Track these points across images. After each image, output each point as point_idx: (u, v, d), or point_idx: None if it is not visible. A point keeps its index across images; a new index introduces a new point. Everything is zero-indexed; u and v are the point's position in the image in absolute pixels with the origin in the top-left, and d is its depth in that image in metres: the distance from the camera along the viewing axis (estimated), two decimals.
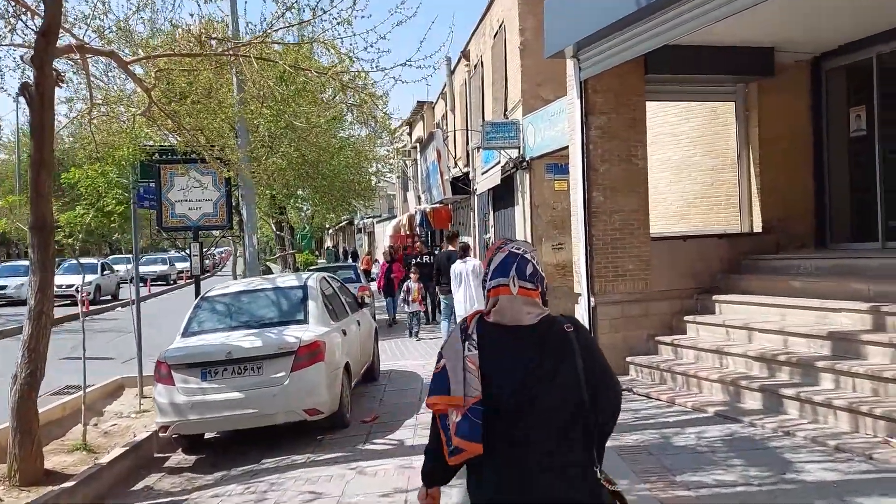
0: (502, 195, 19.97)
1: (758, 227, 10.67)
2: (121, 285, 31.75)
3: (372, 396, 10.07)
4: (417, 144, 36.23)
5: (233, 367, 7.81)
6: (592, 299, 9.68)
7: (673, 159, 11.83)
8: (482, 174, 22.35)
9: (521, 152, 17.35)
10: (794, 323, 8.27)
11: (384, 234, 41.20)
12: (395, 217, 44.64)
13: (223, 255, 52.48)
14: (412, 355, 13.48)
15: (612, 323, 9.70)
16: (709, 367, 8.68)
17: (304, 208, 25.33)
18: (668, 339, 9.56)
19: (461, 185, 25.01)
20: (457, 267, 12.13)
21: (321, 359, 7.85)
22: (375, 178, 30.52)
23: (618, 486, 2.64)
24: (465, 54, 24.57)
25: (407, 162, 41.09)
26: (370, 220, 55.68)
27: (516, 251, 2.67)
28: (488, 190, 21.43)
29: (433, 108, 35.51)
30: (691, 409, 7.93)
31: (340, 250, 58.73)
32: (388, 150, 29.58)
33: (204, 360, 7.88)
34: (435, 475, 2.78)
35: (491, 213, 21.63)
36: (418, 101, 36.29)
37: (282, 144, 17.31)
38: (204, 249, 12.93)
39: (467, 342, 2.59)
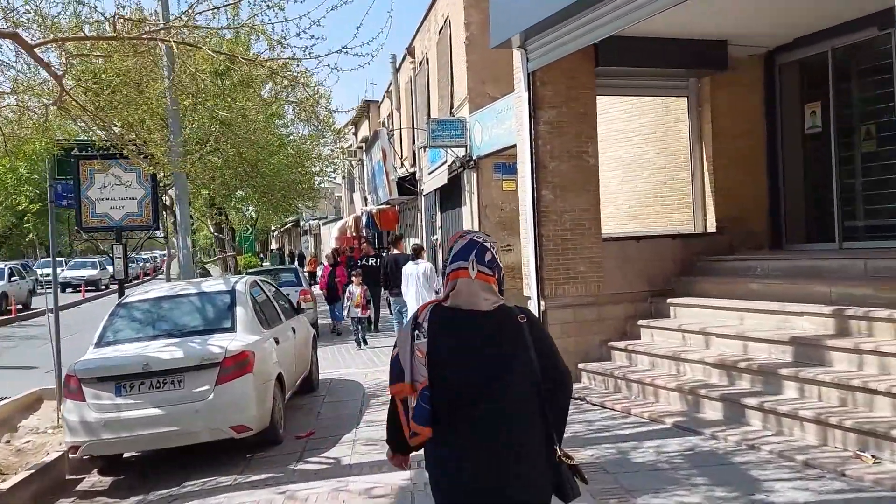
0: (450, 195, 19.43)
1: (712, 227, 10.30)
2: (38, 291, 29.11)
3: (308, 409, 9.39)
4: (363, 144, 35.50)
5: (151, 380, 7.06)
6: (542, 303, 9.17)
7: (624, 157, 11.41)
8: (429, 174, 21.79)
9: (469, 151, 16.83)
10: (753, 327, 7.86)
11: (330, 236, 40.37)
12: (341, 218, 43.85)
13: (165, 258, 51.11)
14: (354, 363, 12.81)
15: (563, 328, 9.20)
16: (665, 374, 8.23)
17: (246, 209, 24.40)
18: (621, 344, 9.10)
19: (408, 185, 24.42)
20: (408, 268, 12.15)
21: (249, 370, 7.15)
22: (319, 177, 29.72)
23: (575, 461, 2.82)
24: (411, 51, 23.98)
25: (353, 162, 40.35)
26: (316, 221, 54.71)
27: (476, 239, 2.85)
28: (435, 190, 20.87)
29: (379, 107, 34.85)
30: (648, 419, 7.45)
31: (286, 252, 57.62)
32: (332, 150, 28.81)
33: (118, 374, 7.11)
34: (398, 446, 2.94)
35: (438, 213, 21.07)
36: (363, 101, 35.54)
37: (217, 141, 16.47)
38: (134, 253, 12.02)
39: (417, 331, 2.76)
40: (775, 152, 10.18)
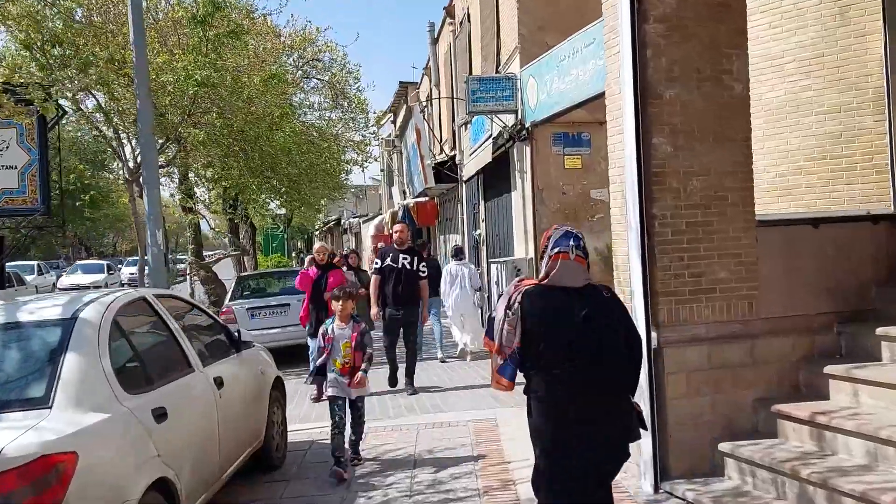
0: (495, 179, 15.48)
1: None
2: None
3: None
4: (400, 131, 31.77)
5: None
6: (655, 335, 5.19)
7: (769, 98, 7.27)
8: (470, 155, 17.88)
9: (520, 117, 12.88)
10: None
11: (368, 235, 36.89)
12: (379, 214, 40.26)
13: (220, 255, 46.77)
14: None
15: (690, 379, 5.24)
16: None
17: (266, 203, 20.81)
18: (799, 410, 5.08)
19: (447, 172, 20.56)
20: (453, 268, 11.84)
21: (60, 494, 3.34)
22: (349, 166, 26.04)
23: (640, 409, 3.68)
24: (450, 11, 20.11)
25: (390, 153, 36.77)
26: (356, 219, 51.47)
27: (571, 229, 3.63)
28: (477, 173, 16.95)
29: (418, 89, 31.00)
30: None
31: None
32: (363, 135, 25.12)
33: None
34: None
35: (481, 203, 17.14)
36: (400, 83, 31.75)
37: (196, 106, 12.82)
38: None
39: (509, 309, 3.50)
40: None
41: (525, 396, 3.66)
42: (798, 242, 5.62)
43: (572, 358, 3.39)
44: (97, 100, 13.71)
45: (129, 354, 4.40)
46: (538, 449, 3.57)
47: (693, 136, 5.35)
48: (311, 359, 9.60)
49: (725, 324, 5.38)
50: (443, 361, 11.66)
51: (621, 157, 5.49)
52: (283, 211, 31.91)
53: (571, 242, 3.50)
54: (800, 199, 7.05)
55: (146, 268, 12.07)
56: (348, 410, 6.18)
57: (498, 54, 14.70)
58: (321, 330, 6.24)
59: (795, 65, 7.14)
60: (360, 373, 6.07)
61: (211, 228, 22.52)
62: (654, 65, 5.29)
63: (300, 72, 21.41)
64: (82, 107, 14.19)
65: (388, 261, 9.33)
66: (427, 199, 25.07)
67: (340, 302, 6.08)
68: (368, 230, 38.06)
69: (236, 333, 5.93)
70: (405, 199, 29.82)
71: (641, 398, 5.16)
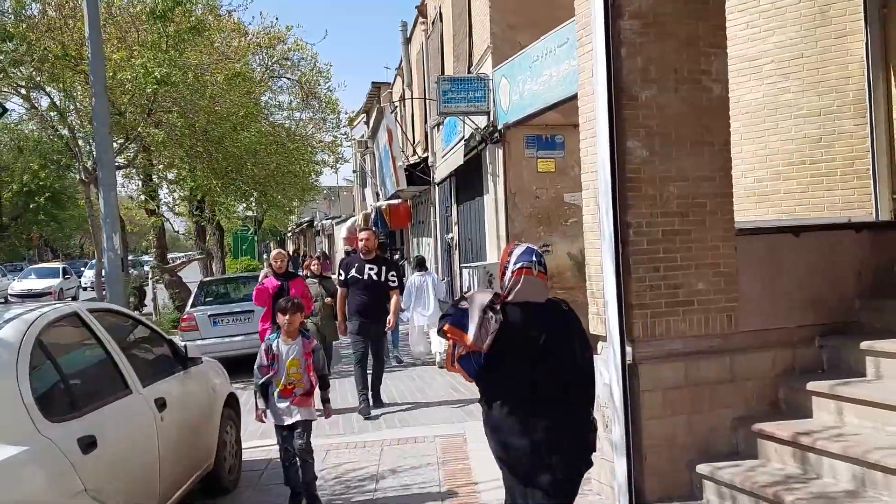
0: (467, 182, 15.17)
1: None
2: None
3: None
4: (372, 133, 31.35)
5: None
6: (629, 350, 4.89)
7: (747, 100, 7.00)
8: (442, 157, 17.57)
9: (492, 119, 12.58)
10: None
11: (340, 237, 36.39)
12: (352, 216, 39.75)
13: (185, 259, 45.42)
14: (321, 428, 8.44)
15: (666, 397, 4.95)
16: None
17: (233, 205, 20.22)
18: (781, 429, 4.79)
19: (419, 174, 20.22)
20: (416, 279, 11.39)
21: None
22: (320, 167, 25.63)
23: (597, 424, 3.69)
24: (422, 10, 19.78)
25: (364, 155, 36.33)
26: (329, 221, 50.92)
27: (532, 246, 3.68)
28: (450, 175, 16.64)
29: (391, 90, 30.60)
30: None
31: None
32: (335, 136, 24.70)
33: None
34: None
35: (454, 206, 16.82)
36: (373, 83, 31.34)
37: (155, 103, 12.36)
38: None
39: (491, 313, 3.43)
40: None
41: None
42: (779, 252, 5.34)
43: (535, 374, 3.45)
44: (51, 98, 13.23)
45: (54, 378, 4.00)
46: (502, 466, 3.61)
47: (670, 140, 5.06)
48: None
49: (703, 338, 5.08)
50: (399, 362, 11.78)
51: (594, 162, 5.18)
52: (250, 213, 31.36)
53: (534, 259, 3.52)
54: (778, 205, 6.80)
55: (103, 272, 11.62)
56: (295, 439, 5.33)
57: (470, 54, 14.40)
58: (263, 345, 5.45)
59: (774, 66, 6.88)
60: (326, 405, 5.65)
61: (175, 231, 21.94)
62: (629, 64, 4.99)
63: (269, 71, 20.98)
64: (36, 104, 13.70)
65: (353, 272, 8.52)
66: (400, 201, 24.71)
67: (287, 315, 5.34)
68: (341, 232, 37.62)
69: (183, 348, 5.50)
70: (378, 201, 29.42)
71: (615, 418, 4.86)
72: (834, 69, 6.58)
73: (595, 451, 3.66)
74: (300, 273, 11.72)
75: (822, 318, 5.37)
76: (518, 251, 3.57)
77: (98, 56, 9.99)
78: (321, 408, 5.64)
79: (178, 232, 22.36)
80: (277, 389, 5.31)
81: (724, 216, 5.17)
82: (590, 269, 5.40)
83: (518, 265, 3.50)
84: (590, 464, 3.65)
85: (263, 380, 5.35)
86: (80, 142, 13.26)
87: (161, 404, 4.77)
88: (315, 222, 55.40)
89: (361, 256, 8.65)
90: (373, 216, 27.73)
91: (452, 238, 17.10)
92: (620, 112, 4.96)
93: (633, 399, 4.90)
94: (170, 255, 23.25)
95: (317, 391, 5.51)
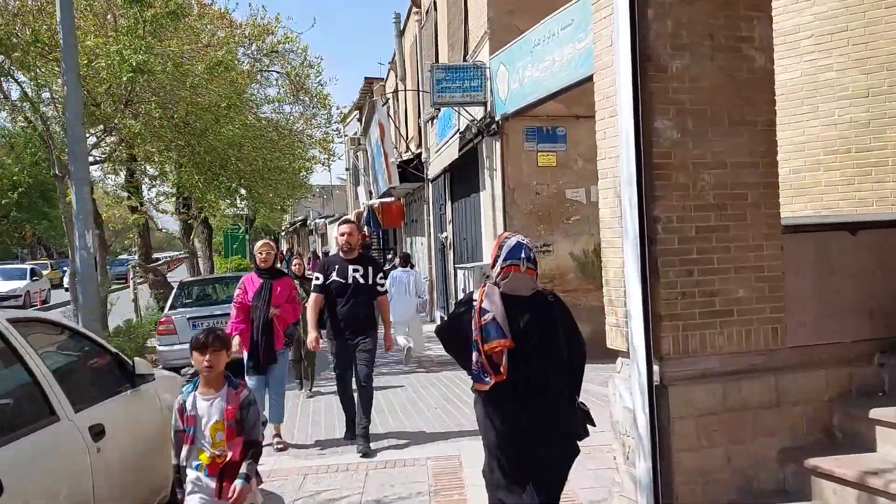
0: (463, 177, 14.37)
1: None
2: None
3: None
4: (365, 129, 30.53)
5: None
6: (657, 369, 4.09)
7: (781, 80, 6.15)
8: (436, 152, 16.77)
9: (489, 109, 11.78)
10: None
11: (333, 237, 35.59)
12: (345, 215, 38.98)
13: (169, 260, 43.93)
14: (299, 448, 7.59)
15: (700, 425, 4.15)
16: None
17: (216, 202, 19.12)
18: (840, 465, 3.99)
19: (412, 171, 19.41)
20: (397, 274, 11.49)
21: None
22: (310, 164, 24.83)
23: (587, 409, 3.74)
24: (416, 1, 18.95)
25: (357, 153, 35.53)
26: (322, 220, 50.26)
27: (522, 241, 3.69)
28: (444, 171, 15.83)
29: (384, 85, 29.79)
30: None
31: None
32: (326, 132, 23.86)
33: None
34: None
35: (448, 203, 16.01)
36: (366, 79, 30.56)
37: (138, 97, 11.52)
38: None
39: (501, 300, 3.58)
40: None
41: None
42: (832, 253, 4.54)
43: (518, 364, 3.54)
44: (22, 87, 12.40)
45: None
46: (487, 448, 3.73)
47: (705, 119, 4.26)
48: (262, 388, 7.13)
49: (744, 355, 4.29)
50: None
51: (614, 147, 4.38)
52: (232, 210, 30.26)
53: (523, 255, 3.61)
54: (818, 199, 6.00)
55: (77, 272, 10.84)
56: None
57: (466, 42, 13.60)
58: (177, 403, 3.73)
59: (813, 41, 6.08)
60: (237, 482, 3.55)
61: (158, 229, 21.09)
62: (657, 28, 4.19)
63: (257, 63, 20.17)
64: (7, 94, 12.85)
65: (335, 275, 6.86)
66: (393, 199, 23.91)
67: (208, 354, 3.66)
68: (334, 232, 36.82)
69: (131, 364, 4.66)
70: (371, 199, 28.60)
71: (640, 450, 4.07)
72: (884, 44, 5.77)
73: (587, 435, 3.70)
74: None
75: (883, 331, 4.57)
76: (509, 245, 3.65)
77: (71, 42, 9.43)
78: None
79: (161, 230, 21.44)
80: (203, 463, 3.63)
81: (769, 210, 4.37)
82: (608, 272, 4.59)
83: (507, 262, 3.60)
84: (576, 449, 3.69)
85: (182, 455, 3.67)
86: (53, 134, 12.46)
87: (98, 432, 3.95)
88: (308, 221, 54.74)
89: (342, 256, 7.00)
90: (365, 215, 26.90)
91: (446, 237, 16.30)
92: (647, 85, 4.16)
93: (661, 427, 4.10)
94: (155, 255, 22.45)
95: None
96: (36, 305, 26.88)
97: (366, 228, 27.42)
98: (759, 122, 4.36)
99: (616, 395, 4.46)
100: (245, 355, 7.11)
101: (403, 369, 11.08)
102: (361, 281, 6.86)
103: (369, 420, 6.90)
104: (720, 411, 4.20)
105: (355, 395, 6.99)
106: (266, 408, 7.12)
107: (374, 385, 7.15)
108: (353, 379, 6.96)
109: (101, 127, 12.90)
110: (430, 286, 17.49)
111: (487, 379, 3.52)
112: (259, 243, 7.43)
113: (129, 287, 19.26)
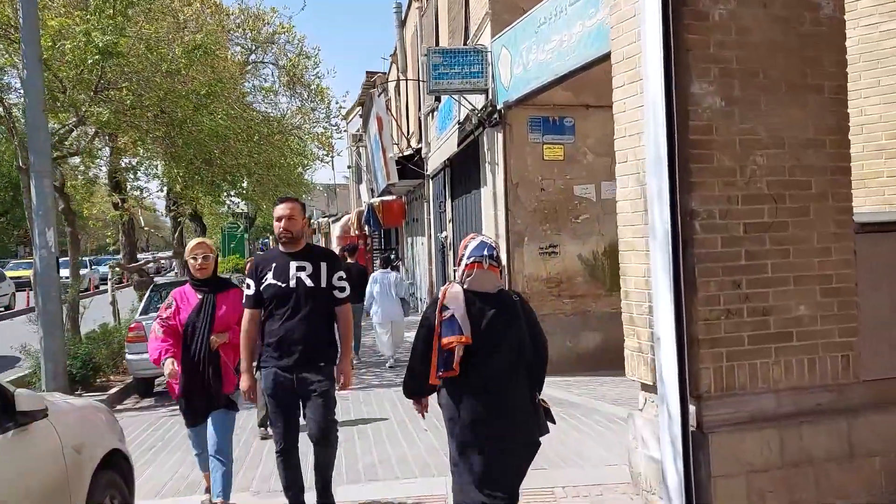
0: (463, 172, 13.39)
1: None
2: None
3: None
4: (364, 124, 29.62)
5: None
6: (693, 410, 3.08)
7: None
8: (436, 147, 15.81)
9: (491, 97, 10.78)
10: None
11: (335, 237, 34.77)
12: (347, 214, 38.16)
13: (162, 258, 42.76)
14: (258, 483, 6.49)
15: (752, 484, 3.15)
16: None
17: (200, 197, 17.98)
18: None
19: (413, 167, 18.46)
20: (378, 276, 11.65)
21: None
22: (307, 161, 23.98)
23: (548, 405, 3.77)
24: None
25: (359, 150, 34.68)
26: (325, 219, 49.64)
27: (486, 240, 3.77)
28: (443, 166, 14.86)
29: (386, 79, 28.89)
30: None
31: None
32: (325, 126, 22.95)
33: None
34: (416, 391, 3.91)
35: (448, 200, 15.03)
36: (368, 73, 29.61)
37: (99, 78, 10.56)
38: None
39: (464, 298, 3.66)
40: None
41: None
42: None
43: (481, 357, 3.59)
44: None
45: None
46: (454, 444, 3.73)
47: (756, 83, 3.27)
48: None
49: (807, 392, 3.29)
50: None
51: (636, 120, 3.39)
52: (224, 208, 29.02)
53: (485, 252, 3.68)
54: (880, 192, 4.97)
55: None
56: None
57: (466, 27, 12.63)
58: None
59: (873, 1, 5.08)
60: None
61: (141, 227, 20.17)
62: None
63: (252, 55, 19.32)
64: None
65: (271, 277, 4.57)
66: (394, 197, 23.01)
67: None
68: (335, 231, 35.96)
69: (10, 397, 3.63)
70: (371, 197, 27.70)
71: None
72: None
73: (548, 431, 3.68)
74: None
75: None
76: (472, 245, 3.73)
77: (32, 23, 8.68)
78: None
79: (144, 228, 20.53)
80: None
81: (838, 203, 3.38)
82: (627, 282, 3.60)
83: (471, 259, 3.66)
84: (537, 442, 3.68)
85: None
86: (16, 122, 11.58)
87: None
88: (312, 220, 54.20)
89: (281, 249, 4.67)
90: (365, 213, 25.98)
91: (446, 237, 15.33)
92: (682, 38, 3.17)
93: (698, 486, 3.11)
94: (141, 256, 21.57)
95: None
96: None
97: (366, 228, 26.54)
98: (827, 88, 3.37)
99: (638, 439, 3.47)
100: (180, 403, 5.08)
101: (395, 381, 10.08)
102: (310, 283, 4.56)
103: (330, 476, 4.72)
104: (777, 466, 3.21)
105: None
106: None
107: (338, 423, 4.79)
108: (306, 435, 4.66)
109: (74, 116, 12.01)
110: (429, 288, 16.63)
111: (440, 373, 3.63)
112: (192, 243, 5.15)
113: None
